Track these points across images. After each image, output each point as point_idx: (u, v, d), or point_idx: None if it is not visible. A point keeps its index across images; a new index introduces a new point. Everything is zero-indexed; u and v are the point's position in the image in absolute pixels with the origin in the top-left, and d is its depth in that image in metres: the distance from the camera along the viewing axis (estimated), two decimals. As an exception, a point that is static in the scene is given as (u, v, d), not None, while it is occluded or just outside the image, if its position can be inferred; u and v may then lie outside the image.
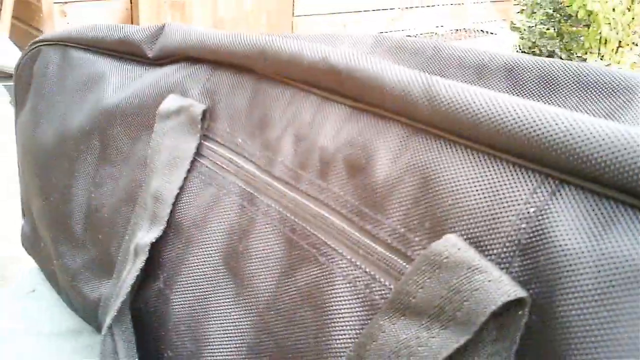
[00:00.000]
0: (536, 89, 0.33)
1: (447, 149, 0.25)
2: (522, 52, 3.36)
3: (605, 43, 3.20)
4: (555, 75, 0.32)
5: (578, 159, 0.21)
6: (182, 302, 0.34)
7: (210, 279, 0.33)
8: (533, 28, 3.52)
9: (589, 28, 3.19)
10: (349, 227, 0.27)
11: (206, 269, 0.33)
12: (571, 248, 0.20)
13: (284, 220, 0.30)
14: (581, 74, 0.32)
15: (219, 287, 0.33)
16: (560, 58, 3.25)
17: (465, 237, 0.23)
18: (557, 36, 3.41)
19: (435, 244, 0.23)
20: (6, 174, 0.81)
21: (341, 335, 0.26)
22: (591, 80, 0.31)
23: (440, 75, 0.35)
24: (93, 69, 0.44)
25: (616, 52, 3.27)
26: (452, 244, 0.22)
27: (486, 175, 0.23)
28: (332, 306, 0.27)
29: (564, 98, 0.31)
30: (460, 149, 0.24)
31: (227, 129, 0.35)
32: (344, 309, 0.26)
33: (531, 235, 0.21)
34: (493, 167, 0.23)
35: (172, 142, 0.37)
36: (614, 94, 0.30)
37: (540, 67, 0.33)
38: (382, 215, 0.26)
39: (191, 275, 0.34)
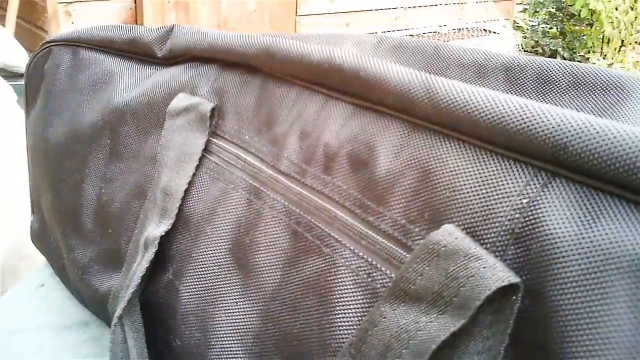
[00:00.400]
0: (533, 87, 0.34)
1: (446, 144, 0.26)
2: (524, 51, 3.36)
3: (608, 42, 3.21)
4: (551, 74, 0.33)
5: (568, 153, 0.22)
6: (191, 293, 0.35)
7: (218, 270, 0.34)
8: (536, 27, 3.52)
9: (591, 27, 3.19)
10: (352, 219, 0.28)
11: (214, 261, 0.35)
12: (562, 236, 0.21)
13: (290, 213, 0.31)
14: (576, 73, 0.33)
15: (226, 279, 0.34)
16: (563, 57, 3.25)
17: (462, 227, 0.24)
18: (560, 35, 3.41)
19: (434, 234, 0.24)
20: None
21: (344, 322, 0.27)
22: (585, 79, 0.32)
23: (440, 74, 0.36)
24: (103, 69, 0.46)
25: (619, 51, 3.27)
26: (449, 233, 0.23)
27: (483, 169, 0.24)
28: (335, 295, 0.28)
29: (559, 96, 0.33)
30: (458, 144, 0.26)
31: (235, 126, 0.37)
32: (347, 297, 0.27)
33: (524, 224, 0.22)
34: (489, 161, 0.24)
35: (182, 139, 0.38)
36: (607, 92, 0.31)
37: (536, 67, 0.34)
38: (384, 208, 0.27)
39: (200, 267, 0.35)
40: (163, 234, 0.36)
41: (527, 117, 0.23)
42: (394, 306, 0.24)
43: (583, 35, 3.28)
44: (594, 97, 0.32)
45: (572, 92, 0.33)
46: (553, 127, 0.22)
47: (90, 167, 0.44)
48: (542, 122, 0.23)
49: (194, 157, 0.37)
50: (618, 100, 0.31)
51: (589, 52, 3.26)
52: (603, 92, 0.32)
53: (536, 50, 3.45)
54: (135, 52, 0.45)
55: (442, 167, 0.25)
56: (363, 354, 0.25)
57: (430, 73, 0.35)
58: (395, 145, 0.28)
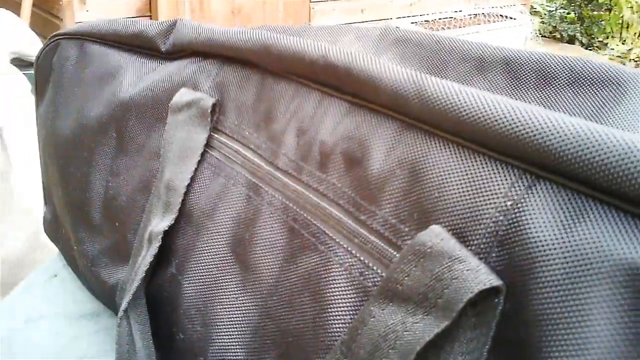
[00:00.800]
0: (533, 81, 0.34)
1: (435, 144, 0.26)
2: (542, 36, 3.32)
3: (627, 27, 3.15)
4: (551, 69, 0.33)
5: (552, 156, 0.22)
6: (193, 287, 0.36)
7: (219, 265, 0.35)
8: (553, 12, 3.47)
9: (610, 12, 3.14)
10: (345, 217, 0.29)
11: (215, 256, 0.35)
12: (543, 239, 0.21)
13: (287, 210, 0.32)
14: (575, 68, 0.32)
15: (226, 274, 0.34)
16: (581, 43, 3.20)
17: (449, 228, 0.24)
18: (578, 20, 3.36)
19: (421, 235, 0.24)
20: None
21: (337, 319, 0.27)
22: (584, 74, 0.32)
23: (441, 67, 0.36)
24: (109, 63, 0.46)
25: (639, 36, 3.22)
26: (436, 235, 0.24)
27: (470, 170, 0.24)
28: (329, 292, 0.28)
29: (558, 91, 0.32)
30: (447, 144, 0.26)
31: (235, 122, 0.37)
32: (340, 295, 0.28)
33: (508, 227, 0.22)
34: (476, 162, 0.24)
35: (184, 134, 0.39)
36: (606, 87, 0.31)
37: (537, 61, 0.34)
38: (375, 207, 0.28)
39: (201, 261, 0.36)
40: (166, 228, 0.37)
41: (514, 119, 0.23)
42: (383, 306, 0.25)
43: (601, 20, 3.23)
44: (593, 92, 0.32)
45: (572, 87, 0.32)
46: (538, 130, 0.22)
47: (97, 161, 0.45)
48: (528, 124, 0.23)
49: (196, 152, 0.38)
50: (616, 95, 0.31)
51: (607, 38, 3.21)
52: (602, 88, 0.32)
53: (554, 36, 3.40)
54: (140, 46, 0.45)
55: (431, 167, 0.26)
56: (353, 353, 0.25)
57: (430, 66, 0.36)
58: (387, 144, 0.28)
